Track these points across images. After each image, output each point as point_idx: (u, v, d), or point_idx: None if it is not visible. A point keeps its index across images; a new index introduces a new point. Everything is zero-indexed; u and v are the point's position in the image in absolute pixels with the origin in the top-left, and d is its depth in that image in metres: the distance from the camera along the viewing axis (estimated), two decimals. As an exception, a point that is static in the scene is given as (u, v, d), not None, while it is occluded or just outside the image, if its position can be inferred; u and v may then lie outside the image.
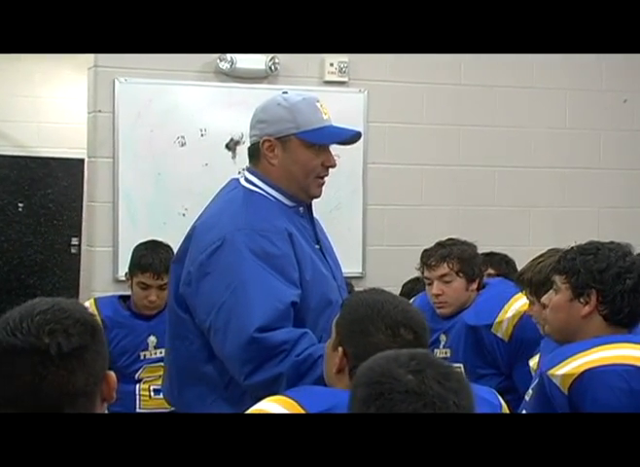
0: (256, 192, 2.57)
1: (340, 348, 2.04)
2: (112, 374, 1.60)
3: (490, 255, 4.45)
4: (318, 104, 2.61)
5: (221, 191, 2.66)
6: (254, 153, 2.61)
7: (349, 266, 4.96)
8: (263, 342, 2.33)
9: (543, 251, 3.01)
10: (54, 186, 7.96)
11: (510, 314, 3.32)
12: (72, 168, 7.69)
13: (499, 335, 3.34)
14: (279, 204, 2.57)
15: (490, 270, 4.35)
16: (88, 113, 4.73)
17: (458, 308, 3.46)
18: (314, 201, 4.80)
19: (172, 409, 2.91)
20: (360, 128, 4.88)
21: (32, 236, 8.08)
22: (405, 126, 5.05)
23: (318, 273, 2.51)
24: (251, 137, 2.63)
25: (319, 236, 2.68)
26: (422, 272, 3.58)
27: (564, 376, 2.27)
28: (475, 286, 3.49)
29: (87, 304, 3.90)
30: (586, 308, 2.41)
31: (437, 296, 3.46)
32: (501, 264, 4.38)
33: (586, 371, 2.25)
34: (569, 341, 2.44)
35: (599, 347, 2.30)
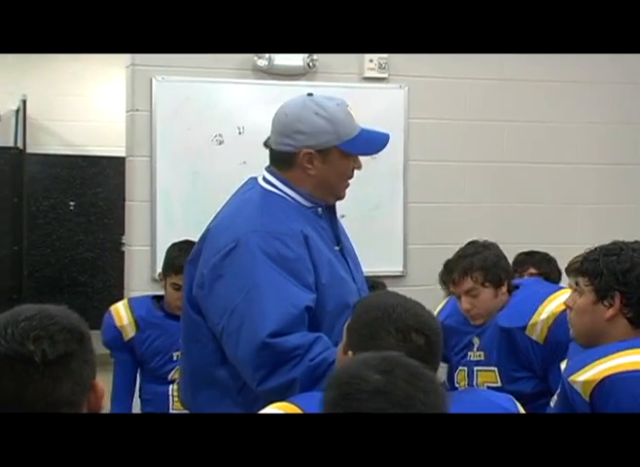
0: (273, 192, 2.52)
1: (350, 352, 1.99)
2: (100, 383, 1.57)
3: (531, 254, 4.35)
4: (348, 108, 2.56)
5: (238, 190, 2.62)
6: (286, 161, 2.52)
7: (390, 264, 4.92)
8: (275, 348, 2.29)
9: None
10: (105, 184, 8.02)
11: (544, 316, 3.21)
12: (121, 167, 7.70)
13: (533, 337, 3.23)
14: (297, 205, 2.52)
15: (532, 270, 4.25)
16: (127, 112, 4.73)
17: (492, 315, 3.36)
18: (354, 200, 4.81)
19: None
20: (400, 125, 4.93)
21: (83, 235, 8.15)
22: (446, 123, 4.97)
23: (335, 276, 2.46)
24: (284, 145, 2.52)
25: (340, 238, 2.63)
26: (448, 287, 3.47)
27: (585, 382, 2.20)
28: (504, 289, 3.36)
29: (120, 304, 3.92)
30: (611, 311, 2.34)
31: (467, 310, 3.37)
32: (542, 262, 4.28)
33: (606, 377, 2.17)
34: (594, 344, 2.36)
35: (621, 352, 2.22)
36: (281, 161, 2.53)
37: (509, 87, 5.01)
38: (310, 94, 2.57)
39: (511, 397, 2.14)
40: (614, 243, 2.41)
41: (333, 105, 2.52)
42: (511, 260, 4.25)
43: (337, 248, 2.57)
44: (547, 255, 4.26)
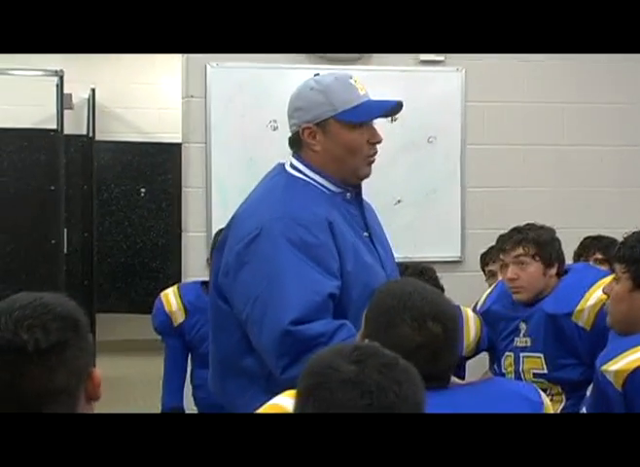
0: (299, 178, 2.49)
1: (367, 340, 1.96)
2: (97, 371, 1.56)
3: (598, 238, 4.26)
4: (352, 80, 2.50)
5: (265, 176, 2.60)
6: (296, 142, 2.53)
7: (447, 250, 4.86)
8: (298, 335, 2.26)
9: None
10: (174, 171, 8.08)
11: (592, 302, 3.15)
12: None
13: (580, 323, 3.19)
14: (323, 191, 2.48)
15: (597, 255, 4.16)
16: (182, 99, 4.76)
17: (535, 295, 3.32)
18: (410, 185, 4.76)
19: None
20: (458, 109, 4.86)
21: (154, 221, 8.24)
22: (505, 105, 4.88)
23: (361, 264, 2.41)
24: (290, 127, 2.54)
25: (369, 223, 2.58)
26: (498, 258, 3.48)
27: (617, 371, 2.14)
28: (553, 272, 3.33)
29: (169, 290, 3.95)
30: (648, 299, 2.26)
31: (512, 280, 3.33)
32: (609, 248, 4.17)
33: (638, 367, 2.10)
34: (631, 332, 2.30)
35: (656, 341, 2.15)
36: (293, 143, 2.54)
37: (569, 67, 4.89)
38: (317, 75, 2.55)
39: (535, 387, 2.08)
40: (651, 228, 2.33)
41: (330, 79, 2.50)
42: (574, 245, 4.19)
43: (365, 234, 2.52)
44: (614, 240, 4.12)
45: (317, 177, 2.49)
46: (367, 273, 2.40)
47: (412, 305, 1.92)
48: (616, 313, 2.36)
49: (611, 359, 2.18)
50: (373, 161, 2.53)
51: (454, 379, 2.01)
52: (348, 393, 1.42)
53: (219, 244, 2.54)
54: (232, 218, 2.54)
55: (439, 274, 3.81)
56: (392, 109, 2.56)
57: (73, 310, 1.55)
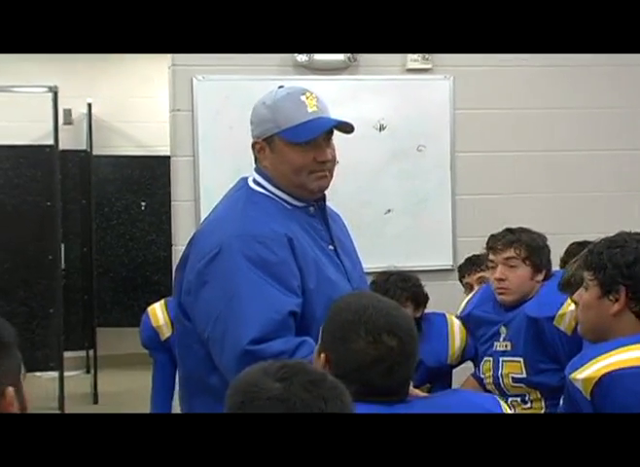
0: (260, 193, 2.48)
1: (323, 355, 1.95)
2: (10, 389, 1.56)
3: (584, 244, 4.20)
4: (303, 97, 2.46)
5: (229, 191, 2.59)
6: (254, 155, 2.56)
7: (438, 258, 4.84)
8: (257, 355, 2.21)
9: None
10: (174, 184, 8.07)
11: (573, 306, 3.14)
12: (189, 166, 7.77)
13: (561, 328, 3.22)
14: (283, 205, 2.46)
15: (582, 261, 4.14)
16: (170, 112, 4.75)
17: (520, 298, 3.35)
18: (400, 194, 4.74)
19: None
20: (447, 117, 4.83)
21: (155, 234, 8.22)
22: (494, 112, 4.86)
23: (324, 279, 2.39)
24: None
25: (335, 236, 2.54)
26: (487, 257, 3.47)
27: (584, 380, 2.12)
28: (541, 277, 3.37)
29: (157, 304, 3.94)
30: (616, 306, 2.24)
31: (499, 280, 3.33)
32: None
33: (605, 374, 2.09)
34: (601, 340, 2.27)
35: (621, 349, 2.13)
36: (255, 157, 2.52)
37: (559, 72, 4.87)
38: (281, 87, 2.53)
39: (496, 398, 2.06)
40: (618, 235, 2.31)
41: (282, 94, 2.48)
42: (564, 251, 4.17)
43: (330, 248, 2.49)
44: None
45: (277, 191, 2.47)
46: (330, 289, 2.36)
47: (368, 318, 1.91)
48: (585, 321, 2.33)
49: (579, 367, 2.15)
50: (323, 176, 2.48)
51: (414, 392, 2.00)
52: (274, 411, 1.41)
53: (181, 262, 2.52)
54: (194, 235, 2.52)
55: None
56: (337, 127, 2.50)
57: None
